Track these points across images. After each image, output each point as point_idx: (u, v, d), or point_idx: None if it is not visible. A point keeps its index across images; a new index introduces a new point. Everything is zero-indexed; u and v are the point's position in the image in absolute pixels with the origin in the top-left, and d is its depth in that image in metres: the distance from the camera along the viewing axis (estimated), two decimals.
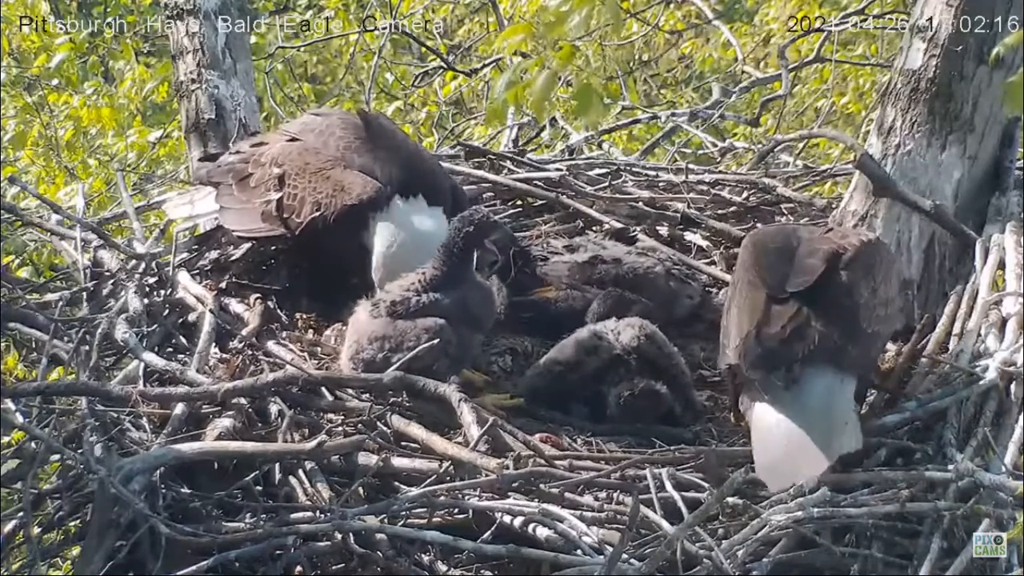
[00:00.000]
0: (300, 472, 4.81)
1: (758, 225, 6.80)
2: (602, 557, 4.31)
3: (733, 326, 5.02)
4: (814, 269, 4.96)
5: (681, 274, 6.14)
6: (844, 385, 4.88)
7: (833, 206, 6.49)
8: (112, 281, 5.99)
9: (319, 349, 5.60)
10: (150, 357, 5.36)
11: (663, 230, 6.80)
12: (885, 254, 5.24)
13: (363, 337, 5.29)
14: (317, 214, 5.72)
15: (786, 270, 5.00)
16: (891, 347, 5.47)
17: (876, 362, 5.22)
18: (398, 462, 4.81)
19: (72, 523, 5.09)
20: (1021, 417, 4.93)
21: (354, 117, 6.01)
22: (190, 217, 6.26)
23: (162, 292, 5.88)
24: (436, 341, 5.17)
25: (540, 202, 7.05)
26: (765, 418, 4.80)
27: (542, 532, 4.47)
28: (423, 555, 4.57)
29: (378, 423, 4.97)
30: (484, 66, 10.09)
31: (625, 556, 4.29)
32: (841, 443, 4.70)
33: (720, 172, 7.77)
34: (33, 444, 5.03)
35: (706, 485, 4.65)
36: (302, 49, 11.68)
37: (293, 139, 5.98)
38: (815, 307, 4.88)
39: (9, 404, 5.08)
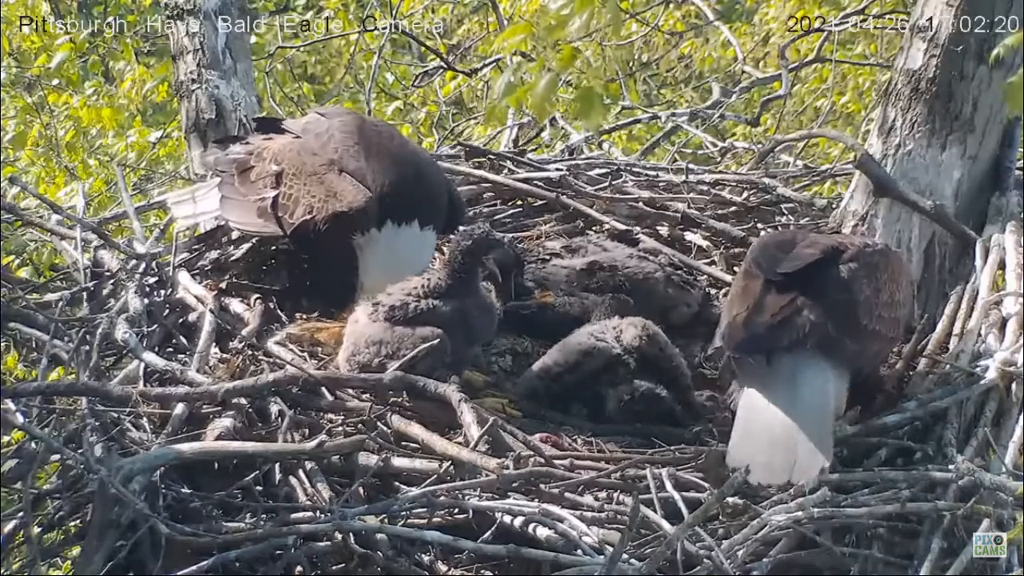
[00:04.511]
0: (300, 472, 4.80)
1: (758, 225, 6.80)
2: (602, 557, 4.31)
3: (725, 312, 5.13)
4: (809, 256, 5.00)
5: (680, 280, 6.12)
6: (834, 377, 4.90)
7: (833, 206, 6.49)
8: (112, 281, 5.99)
9: (319, 349, 5.60)
10: (150, 357, 5.35)
11: (663, 230, 6.80)
12: (894, 260, 5.26)
13: (360, 340, 5.29)
14: (308, 217, 5.72)
15: (781, 257, 5.04)
16: None
17: (878, 360, 5.21)
18: (398, 462, 4.81)
19: (72, 523, 5.09)
20: (1021, 417, 4.94)
21: (355, 121, 5.99)
22: (192, 215, 6.25)
23: (162, 292, 5.88)
24: (436, 342, 5.17)
25: (540, 202, 7.04)
26: (748, 405, 4.84)
27: (542, 532, 4.47)
28: (423, 555, 4.57)
29: (378, 423, 4.97)
30: (484, 66, 10.07)
31: (625, 556, 4.28)
32: (812, 461, 4.67)
33: (720, 172, 7.77)
34: (33, 444, 5.03)
35: (706, 485, 4.66)
36: (302, 49, 11.68)
37: (295, 137, 5.98)
38: (810, 298, 4.91)
39: (9, 404, 5.08)
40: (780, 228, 6.69)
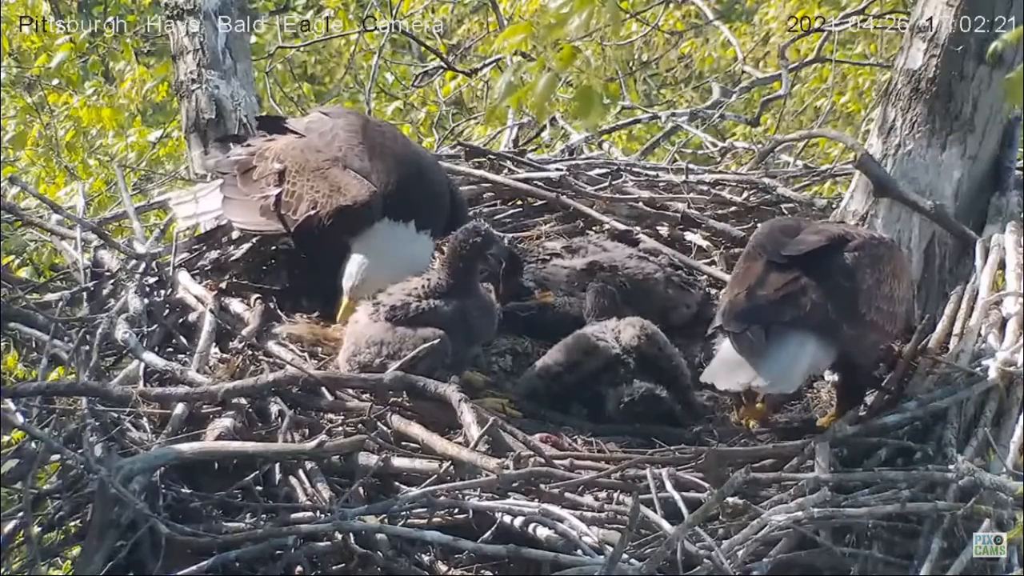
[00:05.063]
0: (300, 472, 4.81)
1: (758, 225, 6.79)
2: (602, 557, 4.31)
3: (725, 294, 5.17)
4: (814, 242, 5.04)
5: (680, 280, 6.12)
6: (821, 353, 4.95)
7: (833, 206, 6.49)
8: (112, 281, 6.00)
9: (319, 349, 5.60)
10: (150, 357, 5.36)
11: (663, 230, 6.80)
12: (898, 256, 5.28)
13: (361, 340, 5.29)
14: (312, 212, 5.72)
15: (786, 242, 5.08)
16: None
17: (873, 354, 5.21)
18: (398, 462, 4.81)
19: (72, 523, 5.09)
20: (1021, 417, 4.95)
21: (359, 121, 5.99)
22: (194, 215, 6.25)
23: (162, 292, 5.88)
24: (436, 343, 5.17)
25: (540, 202, 7.05)
26: (727, 346, 4.97)
27: (542, 532, 4.47)
28: (423, 555, 4.57)
29: (378, 423, 4.97)
30: (484, 66, 10.08)
31: (625, 556, 4.29)
32: (774, 377, 4.82)
33: (720, 172, 7.77)
34: (33, 444, 5.03)
35: (706, 485, 4.66)
36: (302, 49, 11.68)
37: (298, 136, 5.99)
38: (813, 280, 4.93)
39: (9, 404, 5.08)
40: None
